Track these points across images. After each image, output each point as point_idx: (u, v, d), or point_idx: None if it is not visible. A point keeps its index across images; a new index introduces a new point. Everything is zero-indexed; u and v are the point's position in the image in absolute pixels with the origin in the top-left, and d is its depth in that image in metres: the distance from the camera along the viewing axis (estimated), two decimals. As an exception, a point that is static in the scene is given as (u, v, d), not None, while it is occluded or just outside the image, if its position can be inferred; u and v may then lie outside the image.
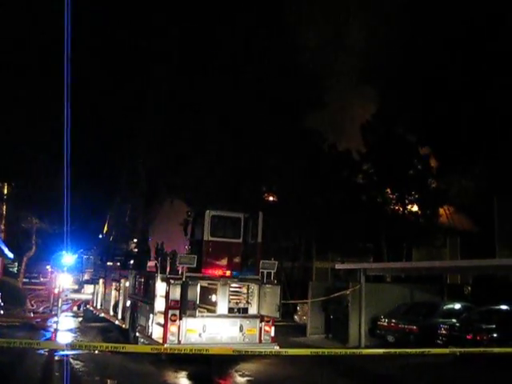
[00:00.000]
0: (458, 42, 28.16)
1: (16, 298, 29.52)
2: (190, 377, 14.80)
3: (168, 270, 16.15)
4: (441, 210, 37.44)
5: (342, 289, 22.65)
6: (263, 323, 16.57)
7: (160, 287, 16.11)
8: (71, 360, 15.98)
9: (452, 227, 40.12)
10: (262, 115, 31.98)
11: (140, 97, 32.86)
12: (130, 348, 10.94)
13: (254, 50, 32.11)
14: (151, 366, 15.69)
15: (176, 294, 15.44)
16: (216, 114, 30.95)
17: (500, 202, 28.60)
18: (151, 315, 16.29)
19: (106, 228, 29.14)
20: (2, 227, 36.63)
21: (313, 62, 34.60)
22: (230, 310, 16.58)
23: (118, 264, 23.33)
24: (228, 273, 16.76)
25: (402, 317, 20.67)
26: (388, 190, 34.93)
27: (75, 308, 28.83)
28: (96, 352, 17.57)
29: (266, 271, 16.75)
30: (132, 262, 21.64)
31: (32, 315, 27.26)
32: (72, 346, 19.57)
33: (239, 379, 14.82)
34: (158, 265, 16.76)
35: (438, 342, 18.52)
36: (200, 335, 15.64)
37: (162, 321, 15.68)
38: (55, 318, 25.05)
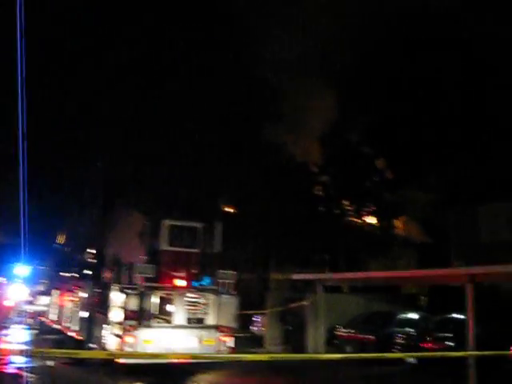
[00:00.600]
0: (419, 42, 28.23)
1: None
2: (146, 388, 14.62)
3: (125, 280, 15.99)
4: (397, 222, 37.95)
5: (300, 299, 22.74)
6: (221, 334, 16.49)
7: (116, 297, 15.90)
8: (25, 373, 15.66)
9: (408, 239, 40.69)
10: (218, 127, 31.97)
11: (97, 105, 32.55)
12: (84, 354, 10.80)
13: (209, 61, 32.10)
14: (107, 378, 15.48)
15: (133, 304, 15.30)
16: (173, 126, 30.80)
17: (455, 214, 29.15)
18: (107, 326, 16.06)
19: (61, 238, 28.70)
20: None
21: (271, 72, 34.74)
22: (188, 320, 16.48)
23: (74, 275, 22.97)
24: (185, 283, 16.65)
25: (360, 327, 20.83)
26: (345, 202, 35.28)
27: (30, 320, 28.26)
28: (51, 364, 17.32)
29: (223, 281, 16.72)
30: (88, 272, 21.34)
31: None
32: (26, 352, 19.31)
33: (196, 390, 14.72)
34: (114, 275, 16.57)
35: (395, 351, 18.69)
36: (157, 346, 15.46)
37: (118, 331, 15.48)
38: (6, 331, 24.68)
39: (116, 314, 15.81)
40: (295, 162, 35.82)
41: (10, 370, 16.33)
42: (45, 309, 25.96)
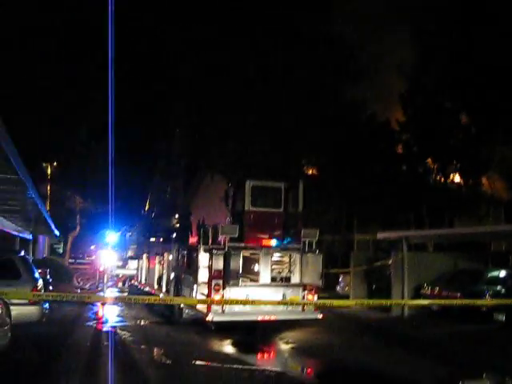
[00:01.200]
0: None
1: (63, 276, 30.27)
2: (234, 344, 15.00)
3: (210, 241, 16.30)
4: (483, 180, 36.84)
5: (384, 258, 22.58)
6: (306, 292, 16.59)
7: (203, 258, 16.24)
8: (118, 331, 16.39)
9: (495, 197, 39.50)
10: (299, 88, 31.79)
11: (176, 74, 33.04)
12: (177, 300, 11.28)
13: (289, 21, 31.81)
14: (196, 336, 15.99)
15: (219, 264, 15.56)
16: (253, 88, 30.86)
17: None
18: (195, 286, 16.42)
19: (147, 205, 29.52)
20: (47, 208, 37.46)
21: (349, 31, 34.22)
22: (273, 279, 16.67)
23: (161, 239, 23.61)
24: (270, 242, 16.82)
25: (446, 284, 20.43)
26: (429, 160, 34.48)
27: (120, 284, 29.38)
28: (142, 323, 18.07)
29: (307, 240, 16.76)
30: (175, 236, 21.87)
31: (79, 292, 27.90)
32: (118, 299, 20.28)
33: (283, 346, 14.98)
34: (200, 237, 16.89)
35: (483, 309, 18.29)
36: (244, 305, 15.73)
37: (205, 291, 15.81)
38: (101, 294, 25.82)
39: (203, 275, 16.17)
40: (377, 120, 35.33)
41: (106, 328, 17.16)
42: (135, 272, 26.84)
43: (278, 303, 14.06)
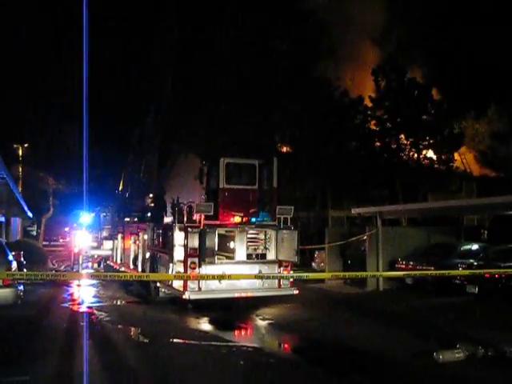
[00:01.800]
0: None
1: (37, 258, 29.98)
2: (211, 322, 15.02)
3: (185, 219, 16.26)
4: (456, 155, 37.21)
5: (359, 234, 22.74)
6: (282, 268, 16.70)
7: (178, 236, 16.18)
8: (95, 311, 16.34)
9: (468, 172, 40.00)
10: (271, 66, 31.70)
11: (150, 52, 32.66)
12: (153, 276, 11.28)
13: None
14: (173, 314, 16.00)
15: (194, 242, 15.54)
16: (225, 65, 30.68)
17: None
18: (171, 265, 16.38)
19: (121, 185, 29.28)
20: (19, 189, 37.01)
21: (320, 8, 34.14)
22: (249, 256, 16.70)
23: (136, 219, 23.49)
24: (245, 219, 16.84)
25: (420, 258, 20.69)
26: (402, 136, 34.69)
27: (95, 265, 29.18)
28: (119, 303, 18.03)
29: (282, 217, 16.81)
30: (150, 215, 21.79)
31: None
32: (93, 276, 20.21)
33: (260, 322, 15.05)
34: (175, 216, 16.83)
35: (457, 281, 18.55)
36: (220, 282, 15.74)
37: (181, 269, 15.81)
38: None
39: (179, 253, 16.13)
40: (349, 97, 35.37)
41: (82, 308, 17.09)
42: (110, 253, 26.68)
43: (255, 277, 14.11)
